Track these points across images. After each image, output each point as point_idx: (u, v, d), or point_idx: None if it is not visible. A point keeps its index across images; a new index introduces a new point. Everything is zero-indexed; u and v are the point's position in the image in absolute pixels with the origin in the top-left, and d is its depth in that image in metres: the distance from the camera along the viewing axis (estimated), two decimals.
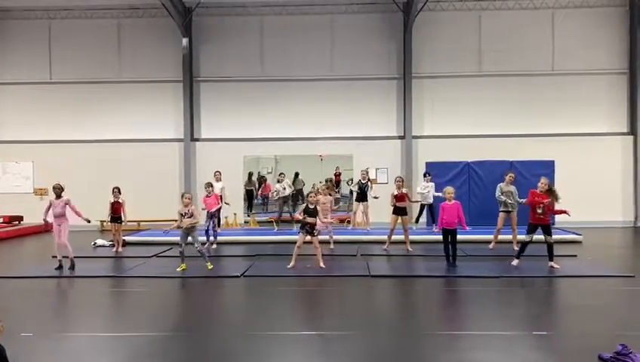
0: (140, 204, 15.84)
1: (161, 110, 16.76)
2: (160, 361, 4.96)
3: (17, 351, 4.78)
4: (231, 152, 16.16)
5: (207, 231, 11.72)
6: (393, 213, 10.79)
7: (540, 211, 8.71)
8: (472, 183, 15.26)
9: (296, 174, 17.19)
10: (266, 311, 6.81)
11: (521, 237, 10.16)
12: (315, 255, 9.19)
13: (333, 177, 18.34)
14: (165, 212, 16.23)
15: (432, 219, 13.86)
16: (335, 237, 12.31)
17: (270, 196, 16.10)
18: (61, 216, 9.36)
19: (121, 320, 6.32)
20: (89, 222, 9.72)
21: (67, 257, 9.33)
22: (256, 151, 16.88)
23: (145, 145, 16.56)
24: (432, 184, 13.92)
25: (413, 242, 11.26)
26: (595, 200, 15.62)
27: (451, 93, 16.26)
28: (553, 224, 14.30)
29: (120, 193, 11.34)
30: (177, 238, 12.74)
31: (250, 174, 17.55)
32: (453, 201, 9.13)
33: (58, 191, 9.45)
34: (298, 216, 9.32)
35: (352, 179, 15.21)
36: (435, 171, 15.65)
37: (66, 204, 9.38)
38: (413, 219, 14.12)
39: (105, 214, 11.72)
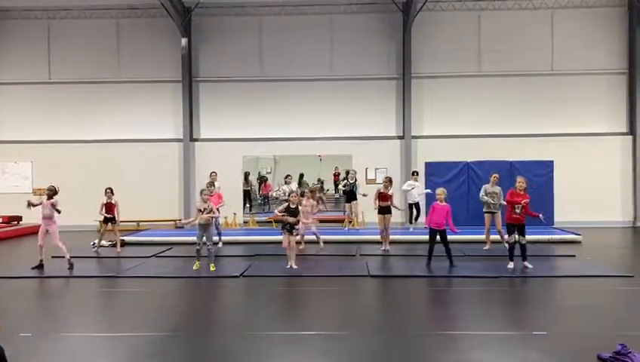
0: (139, 204, 15.87)
1: (160, 110, 16.75)
2: (159, 361, 4.95)
3: (16, 352, 4.77)
4: (230, 152, 16.16)
5: (218, 230, 11.70)
6: (379, 213, 10.80)
7: (518, 211, 8.70)
8: (471, 183, 15.24)
9: (301, 175, 17.20)
10: (265, 311, 6.81)
11: (496, 237, 10.18)
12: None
13: (333, 177, 18.39)
14: (164, 212, 16.28)
15: (411, 219, 13.87)
16: (334, 237, 12.34)
17: (271, 195, 16.14)
18: (49, 218, 9.39)
19: (120, 320, 6.31)
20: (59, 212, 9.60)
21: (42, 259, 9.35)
22: (256, 151, 16.88)
23: (144, 145, 16.54)
24: (419, 183, 13.92)
25: (412, 242, 11.26)
26: (594, 201, 15.64)
27: (451, 93, 16.26)
28: (552, 224, 14.41)
29: (113, 193, 11.33)
30: (177, 238, 12.84)
31: (247, 174, 17.55)
32: (444, 203, 9.14)
33: (50, 193, 9.48)
34: (278, 213, 9.39)
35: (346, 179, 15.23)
36: (435, 171, 15.67)
37: (52, 205, 9.38)
38: (412, 221, 14.10)
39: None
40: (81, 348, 5.33)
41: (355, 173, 14.09)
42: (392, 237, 11.20)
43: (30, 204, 9.41)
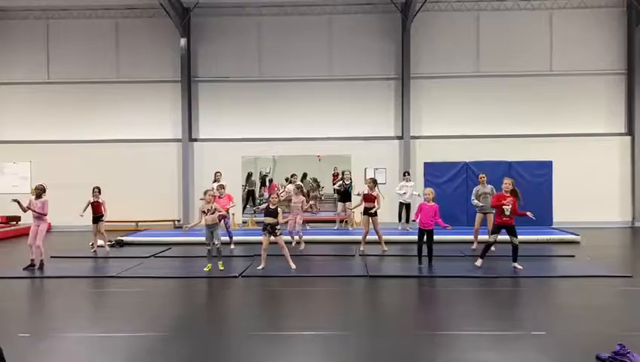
0: (138, 204, 15.89)
1: (160, 110, 16.74)
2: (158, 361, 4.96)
3: (15, 352, 4.76)
4: (229, 152, 16.16)
5: (228, 232, 11.70)
6: (364, 213, 10.72)
7: (507, 213, 8.71)
8: (470, 183, 15.22)
9: (304, 175, 17.21)
10: (265, 311, 6.81)
11: (485, 237, 10.18)
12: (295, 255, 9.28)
13: (332, 177, 18.38)
14: (163, 212, 16.28)
15: (407, 218, 13.92)
16: (333, 237, 12.33)
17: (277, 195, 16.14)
18: (38, 217, 9.39)
19: (119, 320, 6.30)
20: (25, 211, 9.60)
21: (34, 258, 9.38)
22: (254, 151, 16.88)
23: (143, 145, 16.54)
24: (412, 184, 13.97)
25: (411, 243, 11.23)
26: (592, 201, 15.66)
27: (449, 93, 16.27)
28: (551, 225, 14.42)
29: (100, 193, 11.31)
30: (176, 239, 12.83)
31: (250, 175, 17.55)
32: (432, 203, 9.17)
33: (39, 191, 9.48)
34: (259, 209, 9.41)
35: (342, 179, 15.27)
36: (434, 171, 15.69)
37: (43, 204, 9.40)
38: (402, 220, 14.09)
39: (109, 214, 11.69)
40: (79, 348, 5.32)
41: (350, 173, 14.17)
42: (391, 237, 11.19)
43: (21, 208, 9.39)
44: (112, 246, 11.98)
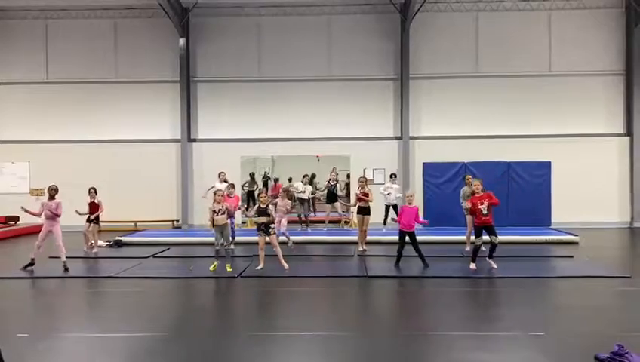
0: (137, 205, 15.88)
1: (158, 110, 16.73)
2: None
3: (13, 352, 4.75)
4: (228, 153, 16.15)
5: (232, 233, 11.70)
6: (358, 213, 10.84)
7: (485, 213, 8.73)
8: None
9: (313, 175, 17.22)
10: (264, 311, 6.81)
11: (471, 238, 10.14)
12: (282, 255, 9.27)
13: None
14: (162, 212, 16.27)
15: (385, 220, 13.91)
16: (332, 237, 12.32)
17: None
18: (52, 218, 9.34)
19: (117, 320, 6.29)
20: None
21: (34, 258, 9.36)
22: (253, 151, 16.88)
23: (142, 145, 16.52)
24: (397, 186, 13.94)
25: (409, 243, 11.22)
26: (591, 201, 15.67)
27: (448, 93, 16.28)
28: (549, 225, 14.44)
29: (96, 193, 11.31)
30: (174, 239, 12.83)
31: (252, 175, 17.54)
32: (413, 205, 9.26)
33: (53, 192, 9.44)
34: (250, 215, 9.44)
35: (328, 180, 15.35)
36: (433, 172, 15.72)
37: (57, 206, 9.35)
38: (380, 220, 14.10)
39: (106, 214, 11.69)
40: (78, 348, 5.32)
41: (337, 174, 14.37)
42: (390, 238, 11.18)
43: (33, 214, 9.38)
44: (110, 246, 11.96)
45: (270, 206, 9.16)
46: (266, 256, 9.28)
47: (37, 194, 16.32)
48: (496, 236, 8.86)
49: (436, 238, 12.34)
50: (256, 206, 9.30)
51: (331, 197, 14.31)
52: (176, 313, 6.84)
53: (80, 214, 11.14)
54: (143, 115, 16.70)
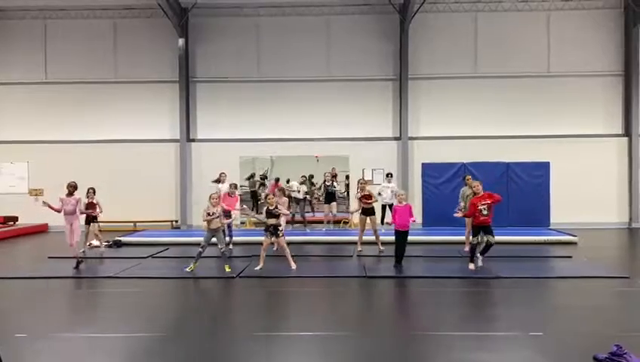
0: (136, 205, 15.87)
1: (158, 110, 16.72)
2: None
3: (12, 352, 4.75)
4: (227, 153, 16.14)
5: (230, 232, 11.69)
6: (362, 213, 10.82)
7: (485, 213, 8.75)
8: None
9: (311, 176, 17.23)
10: (263, 311, 6.81)
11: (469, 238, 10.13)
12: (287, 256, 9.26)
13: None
14: (161, 213, 16.26)
15: (382, 220, 13.91)
16: (332, 238, 12.31)
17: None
18: (72, 213, 9.43)
19: (116, 321, 6.29)
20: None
21: (74, 257, 9.41)
22: (252, 151, 16.87)
23: (141, 145, 16.52)
24: (393, 185, 13.93)
25: (409, 243, 11.22)
26: (590, 202, 15.69)
27: (447, 94, 16.29)
28: (548, 226, 14.45)
29: (94, 193, 11.34)
30: (173, 239, 12.83)
31: (252, 175, 17.53)
32: (405, 203, 9.28)
33: (72, 188, 9.52)
34: (259, 217, 9.41)
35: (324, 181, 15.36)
36: (431, 172, 15.73)
37: (77, 201, 9.46)
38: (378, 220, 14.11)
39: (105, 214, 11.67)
40: (77, 348, 5.31)
41: (337, 174, 14.41)
42: (389, 238, 11.17)
43: (53, 209, 9.40)
44: (109, 246, 11.96)
45: (279, 206, 9.15)
46: (266, 256, 9.28)
47: (36, 195, 16.31)
48: (492, 236, 8.86)
49: (435, 238, 12.36)
50: (265, 208, 9.29)
51: (329, 197, 14.33)
52: (175, 313, 6.84)
53: (82, 213, 11.14)
54: (142, 115, 16.69)
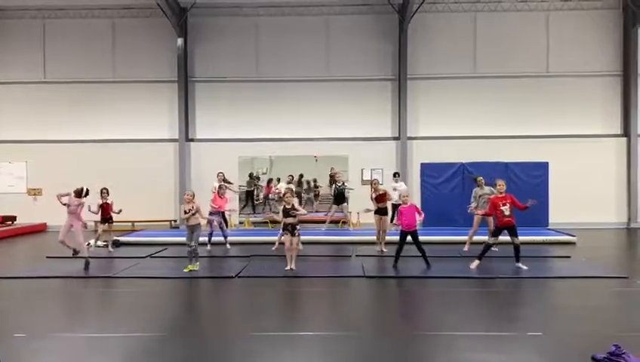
0: (135, 205, 15.80)
1: (156, 110, 16.72)
2: None
3: (10, 352, 4.75)
4: (226, 152, 16.13)
5: (224, 232, 11.65)
6: (375, 213, 10.95)
7: (507, 213, 8.75)
8: (466, 184, 15.29)
9: (301, 176, 17.17)
10: (261, 311, 6.80)
11: (484, 238, 10.14)
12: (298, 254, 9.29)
13: (329, 178, 18.38)
14: (160, 212, 16.25)
15: (392, 219, 13.93)
16: (331, 238, 12.30)
17: (271, 195, 16.15)
18: (73, 213, 9.45)
19: (115, 320, 6.28)
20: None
21: (83, 257, 9.43)
22: (251, 151, 16.82)
23: (140, 145, 16.51)
24: (402, 184, 13.94)
25: (407, 243, 11.22)
26: (588, 202, 15.71)
27: (446, 94, 16.30)
28: (547, 226, 14.47)
29: (108, 194, 11.34)
30: (172, 239, 12.80)
31: (251, 175, 17.49)
32: (409, 204, 9.31)
33: (77, 194, 9.54)
34: (275, 216, 9.39)
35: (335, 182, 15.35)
36: (430, 172, 15.74)
37: (79, 205, 9.47)
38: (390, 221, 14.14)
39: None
40: (76, 348, 5.30)
41: (340, 174, 14.60)
42: (392, 238, 11.19)
43: (60, 196, 9.45)
44: (104, 246, 11.92)
45: (296, 206, 9.14)
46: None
47: (34, 194, 16.30)
48: (517, 237, 8.86)
49: (434, 238, 12.34)
50: (282, 207, 9.29)
51: (340, 197, 14.23)
52: (174, 313, 6.83)
53: (92, 212, 11.14)
54: (141, 114, 16.68)
